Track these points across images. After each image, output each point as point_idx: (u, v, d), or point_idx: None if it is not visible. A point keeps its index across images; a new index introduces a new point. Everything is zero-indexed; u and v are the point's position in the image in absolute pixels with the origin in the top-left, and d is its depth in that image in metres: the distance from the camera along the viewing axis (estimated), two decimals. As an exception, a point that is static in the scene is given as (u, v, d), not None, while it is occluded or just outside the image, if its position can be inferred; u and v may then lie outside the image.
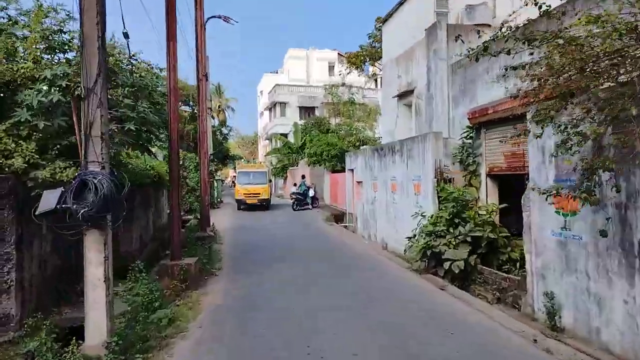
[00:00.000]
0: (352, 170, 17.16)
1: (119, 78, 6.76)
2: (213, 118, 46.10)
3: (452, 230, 8.66)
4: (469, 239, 8.26)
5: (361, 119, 35.72)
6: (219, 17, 14.46)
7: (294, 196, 21.46)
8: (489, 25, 12.19)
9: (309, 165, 24.33)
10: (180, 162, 21.95)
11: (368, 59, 27.13)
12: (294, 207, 21.24)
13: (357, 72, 61.46)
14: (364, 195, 15.27)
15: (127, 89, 6.77)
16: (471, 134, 9.94)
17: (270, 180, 23.76)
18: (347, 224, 17.57)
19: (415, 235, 9.77)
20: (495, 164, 9.31)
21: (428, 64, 12.51)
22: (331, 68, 61.59)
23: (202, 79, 12.40)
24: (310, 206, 21.59)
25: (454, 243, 8.47)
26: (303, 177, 22.16)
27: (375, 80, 57.59)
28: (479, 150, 9.76)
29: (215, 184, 28.31)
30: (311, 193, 21.80)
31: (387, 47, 16.87)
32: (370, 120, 36.83)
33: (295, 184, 22.30)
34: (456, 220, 8.71)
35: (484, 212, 8.76)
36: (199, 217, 13.69)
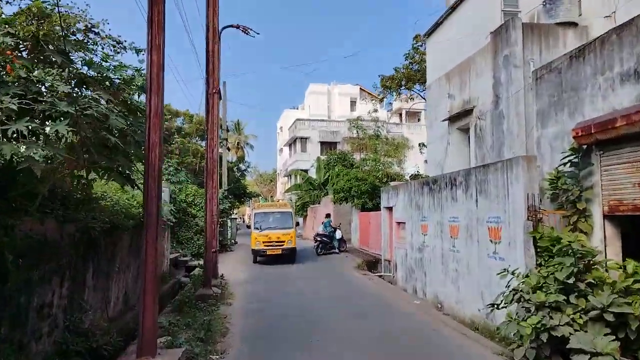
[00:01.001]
0: (389, 208, 14.33)
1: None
2: (229, 150, 44.29)
3: (573, 301, 5.70)
4: (608, 316, 5.28)
5: (388, 153, 33.14)
6: (237, 27, 12.31)
7: (318, 238, 18.60)
8: (575, 25, 9.60)
9: (335, 203, 21.58)
10: (189, 198, 19.80)
11: (405, 82, 24.59)
12: (318, 250, 18.33)
13: (380, 106, 59.59)
14: (407, 240, 12.36)
15: (68, 70, 4.34)
16: (575, 159, 7.13)
17: (297, 224, 19.60)
18: (382, 273, 14.56)
19: (503, 302, 6.79)
20: (619, 200, 6.43)
21: (496, 74, 9.89)
22: (353, 103, 60.08)
23: (212, 94, 10.02)
24: (337, 250, 18.65)
25: (579, 322, 5.50)
26: (328, 216, 19.37)
27: (400, 115, 55.77)
28: (588, 181, 6.93)
29: (230, 223, 25.71)
30: (338, 235, 18.95)
31: (432, 63, 14.41)
32: (399, 155, 34.18)
33: (324, 222, 19.37)
34: (579, 285, 5.76)
35: (620, 273, 5.80)
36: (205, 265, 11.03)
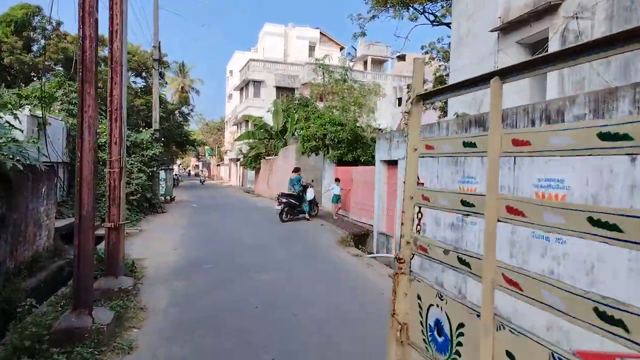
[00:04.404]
0: (393, 162, 10.04)
1: None
2: (165, 82, 37.78)
3: None
4: None
5: (357, 101, 28.48)
6: None
7: (283, 200, 13.91)
8: None
9: (304, 153, 16.93)
10: (101, 139, 14.16)
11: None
12: (283, 216, 13.77)
13: (341, 54, 54.04)
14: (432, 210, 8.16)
15: None
16: None
17: None
18: (376, 254, 10.44)
19: None
20: None
21: None
22: (312, 49, 54.47)
23: None
24: (307, 215, 14.21)
25: None
26: (297, 170, 14.65)
27: (365, 63, 50.97)
28: None
29: (164, 175, 20.43)
30: (309, 195, 14.38)
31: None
32: (369, 104, 29.61)
33: (292, 179, 14.58)
34: None
35: None
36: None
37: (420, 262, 8.45)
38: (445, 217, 7.63)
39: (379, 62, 52.14)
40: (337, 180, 14.30)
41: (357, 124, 15.95)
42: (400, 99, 42.30)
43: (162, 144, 17.47)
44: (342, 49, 57.09)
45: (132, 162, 13.90)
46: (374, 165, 14.52)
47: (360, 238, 11.58)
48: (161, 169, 18.76)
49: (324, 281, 7.38)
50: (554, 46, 7.07)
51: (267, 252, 9.60)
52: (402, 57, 50.84)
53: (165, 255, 8.89)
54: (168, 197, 21.27)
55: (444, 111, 18.28)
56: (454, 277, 7.30)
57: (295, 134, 25.56)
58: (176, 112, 37.99)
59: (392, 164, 10.57)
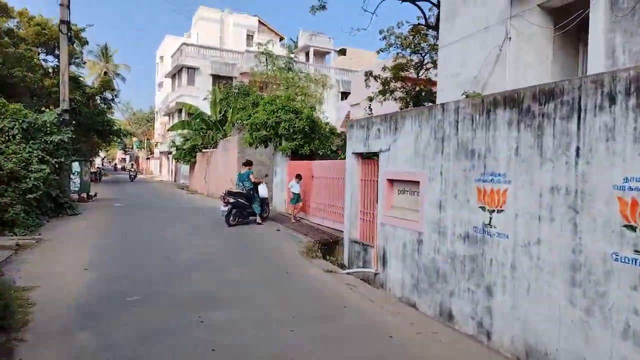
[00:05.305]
0: (372, 155, 8.24)
1: None
2: (84, 65, 33.13)
3: None
4: None
5: (303, 91, 26.56)
6: None
7: (231, 199, 11.45)
8: None
9: (252, 145, 14.55)
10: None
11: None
12: (230, 219, 11.40)
13: (280, 45, 51.66)
14: (427, 215, 6.43)
15: None
16: None
17: None
18: (349, 267, 8.59)
19: None
20: None
21: None
22: (250, 37, 51.83)
23: None
24: (258, 217, 11.92)
25: None
26: (248, 164, 12.22)
27: (307, 54, 49.07)
28: None
29: (79, 168, 17.07)
30: (262, 192, 12.10)
31: None
32: (315, 95, 27.74)
33: (241, 174, 12.17)
34: None
35: None
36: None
37: (415, 282, 6.70)
38: (455, 223, 5.91)
39: (320, 55, 50.61)
40: (297, 176, 12.19)
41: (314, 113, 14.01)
42: (344, 93, 41.01)
43: (73, 129, 14.16)
44: (281, 39, 54.78)
45: (31, 150, 10.86)
46: (335, 159, 12.70)
47: (329, 246, 9.63)
48: (74, 160, 15.47)
49: (303, 318, 5.33)
50: (598, 11, 5.53)
51: (216, 272, 7.30)
52: (342, 52, 49.74)
53: (70, 281, 6.29)
54: (84, 195, 17.88)
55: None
56: (469, 304, 5.60)
57: (236, 124, 23.10)
58: (97, 97, 33.55)
59: (369, 157, 8.72)
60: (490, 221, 5.39)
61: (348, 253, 8.85)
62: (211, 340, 4.50)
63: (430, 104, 12.78)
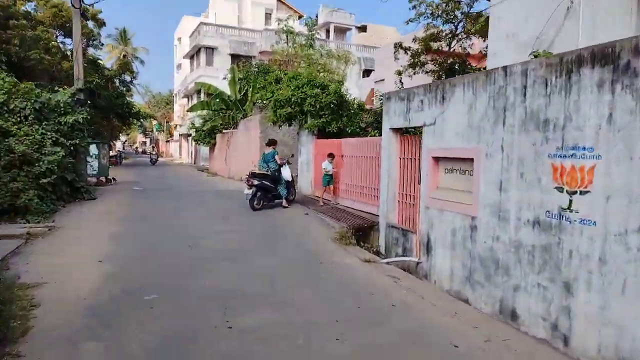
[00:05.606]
0: (414, 130, 7.33)
1: None
2: (102, 46, 32.55)
3: None
4: None
5: (326, 68, 25.46)
6: None
7: (256, 182, 10.65)
8: None
9: (274, 123, 13.76)
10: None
11: None
12: (255, 203, 10.83)
13: (299, 22, 50.27)
14: (483, 197, 5.52)
15: None
16: None
17: None
18: (387, 255, 7.76)
19: None
20: None
21: None
22: (268, 16, 50.46)
23: None
24: (284, 200, 11.18)
25: None
26: (273, 143, 11.40)
27: (327, 31, 47.59)
28: None
29: (97, 150, 16.54)
30: (286, 175, 11.36)
31: None
32: (338, 72, 26.61)
33: (265, 154, 11.33)
34: None
35: None
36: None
37: (467, 274, 5.84)
38: (521, 206, 5.00)
39: (341, 31, 49.02)
40: (330, 155, 11.21)
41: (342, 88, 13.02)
42: (366, 71, 39.66)
43: (89, 110, 13.47)
44: (300, 17, 53.28)
45: (44, 131, 10.25)
46: (365, 136, 11.78)
47: (362, 231, 8.80)
48: (91, 143, 14.91)
49: (347, 321, 4.51)
50: None
51: (243, 263, 6.56)
52: (363, 28, 48.02)
53: (81, 276, 5.61)
54: (103, 179, 17.40)
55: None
56: (540, 302, 4.73)
57: (257, 103, 22.28)
58: (116, 80, 33.12)
59: (408, 132, 7.81)
60: (570, 204, 4.46)
61: (385, 239, 8.02)
62: (243, 353, 3.75)
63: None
